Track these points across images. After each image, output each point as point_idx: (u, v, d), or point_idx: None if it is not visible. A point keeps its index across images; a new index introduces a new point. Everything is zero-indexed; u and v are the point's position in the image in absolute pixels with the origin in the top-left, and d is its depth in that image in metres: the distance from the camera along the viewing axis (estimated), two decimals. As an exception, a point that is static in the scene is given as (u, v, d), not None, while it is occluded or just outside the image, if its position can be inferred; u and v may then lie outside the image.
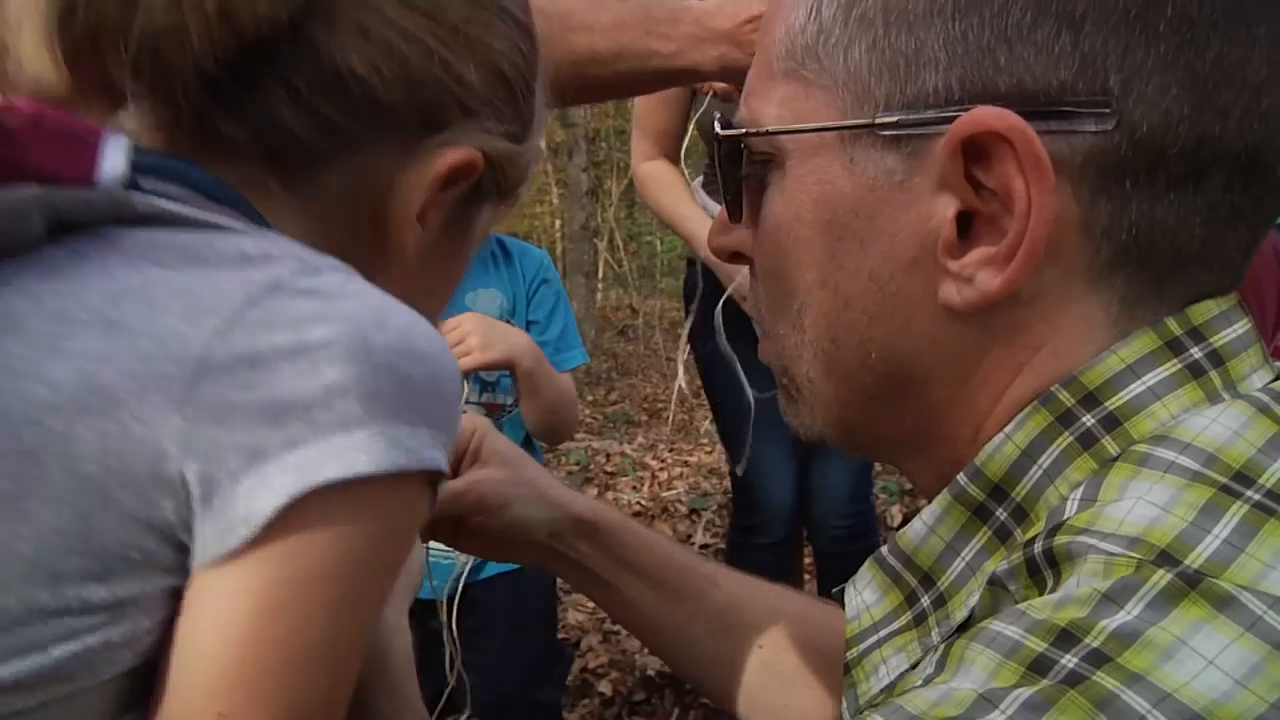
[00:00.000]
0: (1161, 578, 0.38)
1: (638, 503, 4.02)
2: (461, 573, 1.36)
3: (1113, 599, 0.39)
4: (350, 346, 0.45)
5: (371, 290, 0.49)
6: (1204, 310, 0.47)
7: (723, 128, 0.54)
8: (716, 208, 2.10)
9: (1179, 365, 0.45)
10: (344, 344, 0.45)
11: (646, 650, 2.79)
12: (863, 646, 0.53)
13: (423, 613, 1.54)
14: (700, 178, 2.16)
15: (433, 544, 1.53)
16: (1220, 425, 0.43)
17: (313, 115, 0.53)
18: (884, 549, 0.54)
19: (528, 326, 1.64)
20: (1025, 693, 0.37)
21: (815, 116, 0.49)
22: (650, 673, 2.70)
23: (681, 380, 2.21)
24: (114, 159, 0.47)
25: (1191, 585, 0.38)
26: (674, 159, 2.10)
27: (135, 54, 0.49)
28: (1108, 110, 0.43)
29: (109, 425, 0.43)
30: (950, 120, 0.44)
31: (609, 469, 4.53)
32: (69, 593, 0.43)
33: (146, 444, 0.43)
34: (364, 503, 0.46)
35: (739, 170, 0.54)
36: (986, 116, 0.43)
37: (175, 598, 0.46)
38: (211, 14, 0.48)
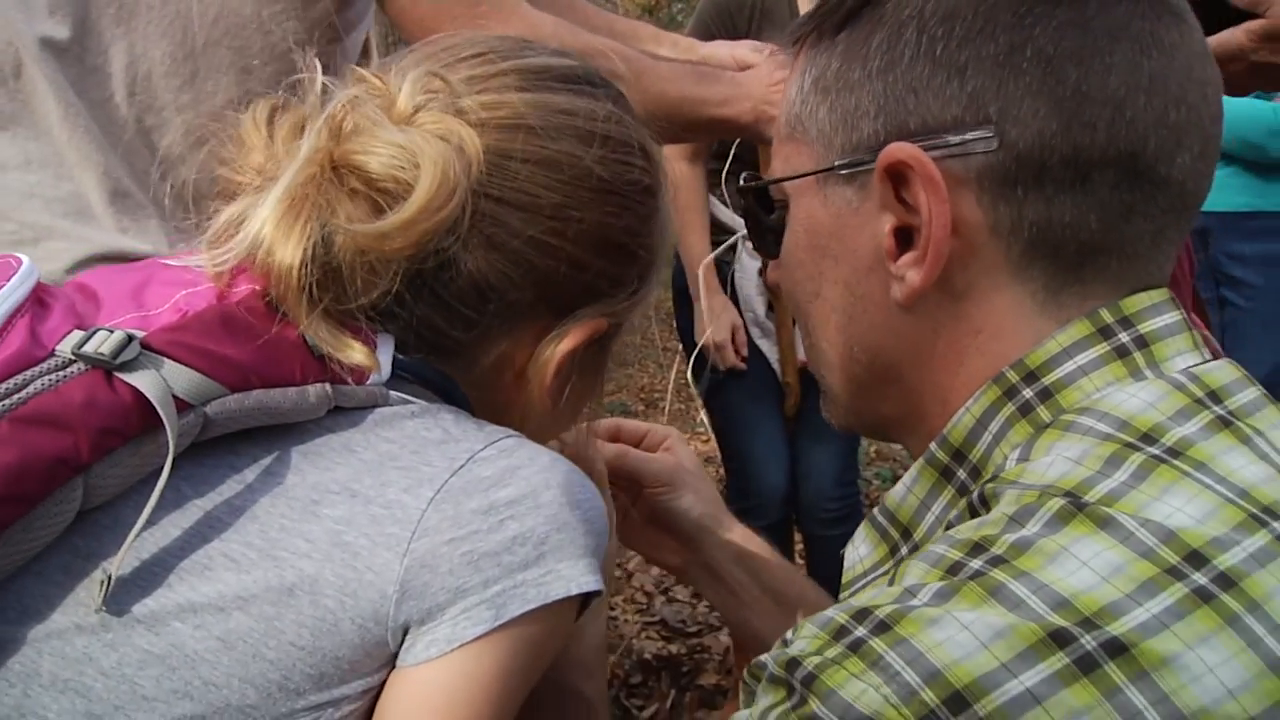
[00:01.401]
0: (1057, 503, 0.49)
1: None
2: None
3: (1017, 519, 0.50)
4: (525, 504, 0.61)
5: (540, 454, 0.64)
6: (1135, 302, 0.57)
7: (745, 181, 0.70)
8: (728, 213, 2.18)
9: (1107, 347, 0.56)
10: (521, 502, 0.61)
11: (643, 634, 2.87)
12: (853, 590, 0.64)
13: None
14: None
15: None
16: (1137, 399, 0.53)
17: (458, 316, 0.66)
18: (875, 510, 0.65)
19: None
20: (937, 585, 0.48)
21: (803, 167, 0.63)
22: (647, 656, 2.76)
23: (688, 377, 2.27)
24: (384, 362, 0.65)
25: (1080, 509, 0.48)
26: (701, 155, 2.20)
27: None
28: (991, 134, 0.54)
29: (348, 572, 0.58)
30: (877, 155, 0.57)
31: (607, 458, 4.58)
32: (292, 693, 0.57)
33: (374, 586, 0.58)
34: (536, 621, 0.61)
35: (768, 216, 0.69)
36: (896, 150, 0.56)
37: (371, 693, 0.61)
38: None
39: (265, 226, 0.62)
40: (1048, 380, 0.56)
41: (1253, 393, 0.56)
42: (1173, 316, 0.58)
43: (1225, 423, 0.53)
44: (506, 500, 0.61)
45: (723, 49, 1.39)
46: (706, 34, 1.92)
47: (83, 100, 1.01)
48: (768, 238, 0.70)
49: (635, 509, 0.93)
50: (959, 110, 0.56)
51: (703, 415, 5.30)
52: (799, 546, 2.73)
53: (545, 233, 0.66)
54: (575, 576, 0.61)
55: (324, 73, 1.20)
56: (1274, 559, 0.47)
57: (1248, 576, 0.46)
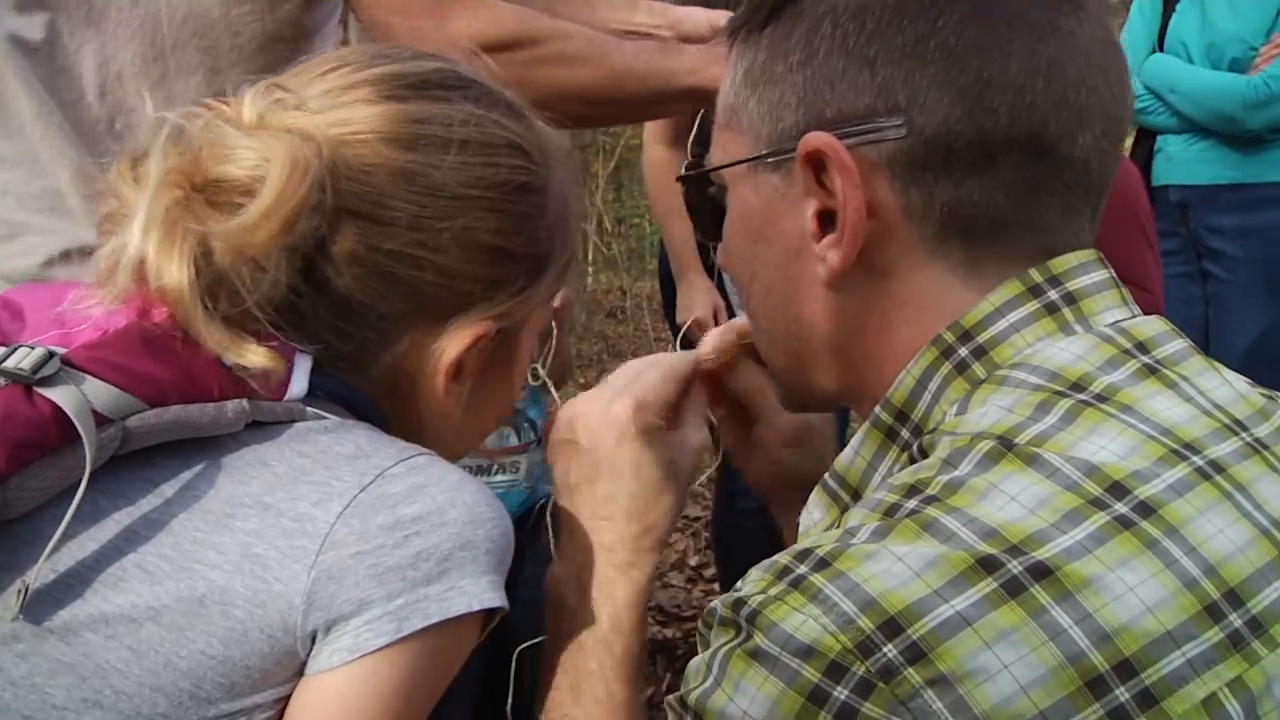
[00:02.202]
0: (986, 445, 0.52)
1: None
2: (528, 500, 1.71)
3: (950, 462, 0.53)
4: (430, 520, 0.62)
5: (448, 472, 0.66)
6: (1063, 262, 0.60)
7: (688, 169, 0.73)
8: None
9: (1037, 305, 0.59)
10: (426, 519, 0.62)
11: (640, 620, 2.89)
12: None
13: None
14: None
15: (497, 477, 1.67)
16: (1067, 352, 0.57)
17: (337, 330, 0.68)
18: (825, 475, 0.67)
19: None
20: (875, 525, 0.51)
21: (737, 156, 0.66)
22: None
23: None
24: (300, 379, 0.66)
25: (1009, 449, 0.51)
26: (683, 139, 2.21)
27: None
28: (900, 122, 0.57)
29: (257, 583, 0.60)
30: (797, 144, 0.60)
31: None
32: (204, 702, 0.59)
33: (283, 597, 0.60)
34: (437, 635, 0.62)
35: (710, 201, 0.72)
36: (813, 139, 0.59)
37: (283, 702, 0.62)
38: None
39: (144, 250, 0.63)
40: (982, 338, 0.59)
41: (1180, 344, 0.59)
42: (1100, 274, 0.61)
43: (1152, 370, 0.56)
44: (412, 517, 0.62)
45: (699, 13, 1.40)
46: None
47: (54, 99, 1.03)
48: (711, 222, 0.73)
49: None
50: (870, 99, 0.59)
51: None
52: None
53: (406, 245, 0.67)
54: (477, 593, 0.63)
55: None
56: (1192, 489, 0.50)
57: (1166, 505, 0.49)
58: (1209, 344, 2.25)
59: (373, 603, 0.61)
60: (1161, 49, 2.39)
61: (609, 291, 8.78)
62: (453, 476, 0.66)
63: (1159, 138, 2.38)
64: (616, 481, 0.74)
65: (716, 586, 3.02)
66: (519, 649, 1.66)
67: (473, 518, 0.64)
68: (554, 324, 1.70)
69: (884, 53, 0.58)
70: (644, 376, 0.77)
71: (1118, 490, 0.49)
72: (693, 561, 3.24)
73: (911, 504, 0.51)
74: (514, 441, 1.76)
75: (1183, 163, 2.30)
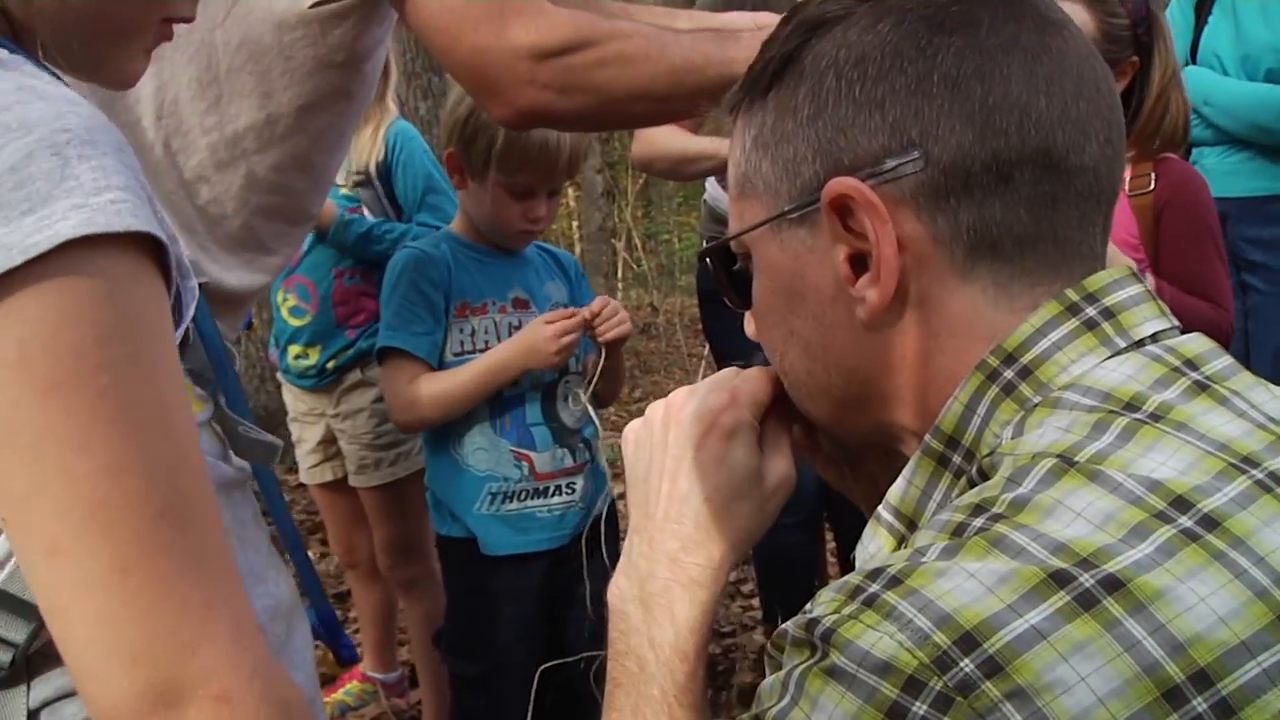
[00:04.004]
0: (1048, 462, 0.53)
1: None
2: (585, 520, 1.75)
3: (1013, 480, 0.54)
4: None
5: None
6: (1098, 279, 0.62)
7: (707, 243, 0.74)
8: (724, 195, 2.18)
9: (1077, 322, 0.61)
10: None
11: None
12: None
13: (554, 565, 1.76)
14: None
15: (553, 499, 1.77)
16: (1117, 373, 0.58)
17: None
18: (879, 507, 0.68)
19: None
20: (944, 543, 0.52)
21: (756, 220, 0.69)
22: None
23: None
24: None
25: (1070, 465, 0.53)
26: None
27: None
28: (917, 155, 0.60)
29: None
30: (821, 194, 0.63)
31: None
32: None
33: None
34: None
35: (735, 269, 0.74)
36: (836, 185, 0.62)
37: None
38: None
39: None
40: (1026, 359, 0.61)
41: (1226, 359, 0.60)
42: (1136, 288, 0.63)
43: (1203, 387, 0.57)
44: None
45: (742, 17, 1.39)
46: None
47: (112, 122, 1.07)
48: (738, 290, 0.74)
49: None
50: (885, 139, 0.62)
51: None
52: (830, 545, 2.75)
53: None
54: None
55: (344, 97, 1.25)
56: (1254, 501, 0.51)
57: (1230, 517, 0.50)
58: (1249, 357, 2.23)
59: None
60: (1194, 62, 2.39)
61: (639, 308, 8.81)
62: None
63: (1195, 150, 2.37)
64: (695, 478, 0.73)
65: (756, 602, 3.03)
66: (540, 669, 1.69)
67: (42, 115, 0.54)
68: (604, 347, 1.74)
69: (890, 94, 0.61)
70: (745, 376, 0.77)
71: (1181, 504, 0.50)
72: (731, 576, 3.24)
73: (979, 522, 0.53)
74: (569, 462, 1.79)
75: (1220, 175, 2.29)
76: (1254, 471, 0.52)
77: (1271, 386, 0.61)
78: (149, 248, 0.56)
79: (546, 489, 1.75)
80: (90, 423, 0.52)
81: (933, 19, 0.62)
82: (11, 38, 0.63)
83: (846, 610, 0.52)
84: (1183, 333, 0.63)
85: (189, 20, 0.71)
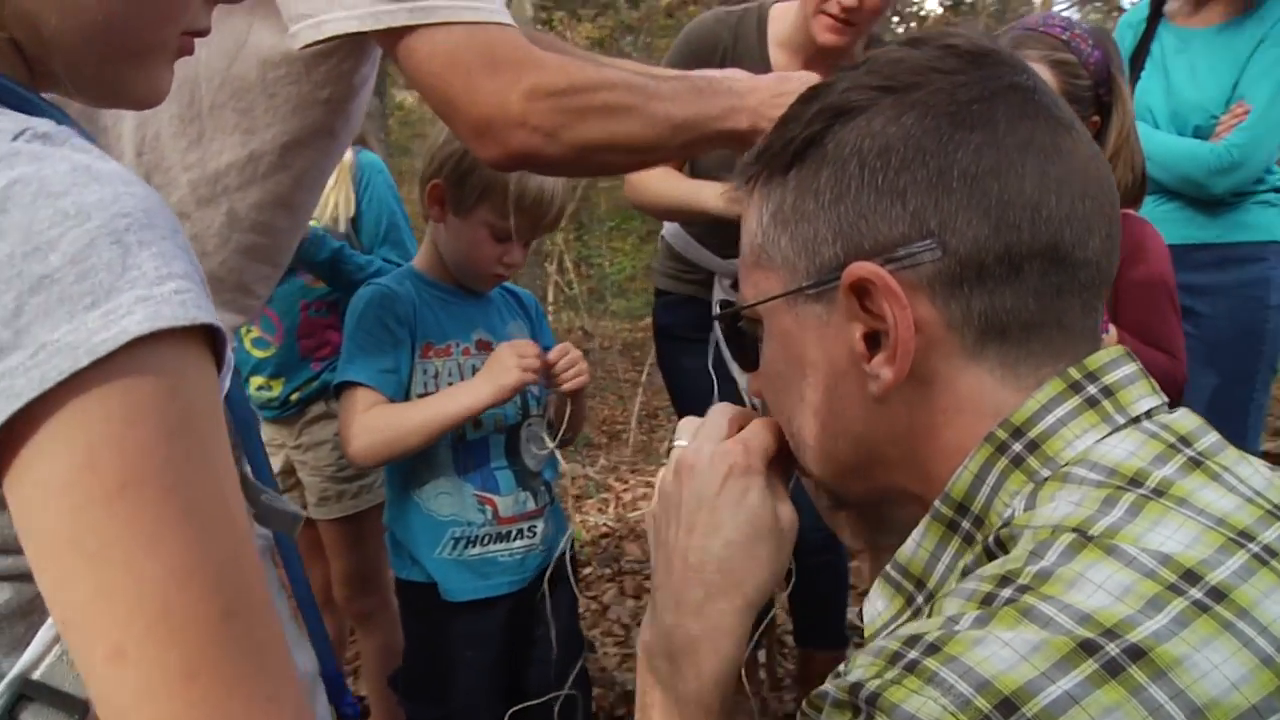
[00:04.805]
0: (1068, 537, 0.58)
1: (605, 525, 4.12)
2: (544, 564, 1.74)
3: (1036, 553, 0.58)
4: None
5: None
6: (1097, 359, 0.67)
7: (722, 309, 0.76)
8: (704, 254, 2.19)
9: (1079, 400, 0.65)
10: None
11: (624, 666, 2.90)
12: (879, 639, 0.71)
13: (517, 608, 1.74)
14: None
15: (515, 543, 1.75)
16: (1120, 449, 0.63)
17: None
18: (887, 567, 0.71)
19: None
20: (976, 613, 0.56)
21: (771, 290, 0.72)
22: (630, 688, 2.80)
23: (709, 367, 2.18)
24: None
25: (1089, 540, 0.57)
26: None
27: None
28: (935, 245, 0.64)
29: None
30: (840, 275, 0.66)
31: (574, 492, 4.61)
32: None
33: None
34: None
35: (744, 335, 0.77)
36: (857, 269, 0.66)
37: None
38: None
39: None
40: (1033, 434, 0.65)
41: (1214, 435, 0.65)
42: (1131, 367, 0.67)
43: (1196, 463, 0.62)
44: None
45: (715, 74, 1.42)
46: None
47: None
48: (747, 352, 0.78)
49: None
50: (905, 228, 0.65)
51: (666, 444, 5.32)
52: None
53: None
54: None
55: (328, 135, 1.23)
56: (1254, 574, 0.56)
57: (1235, 589, 0.55)
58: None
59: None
60: (1128, 113, 2.50)
61: (570, 331, 8.80)
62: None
63: (1128, 199, 2.48)
64: (714, 524, 0.74)
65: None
66: (511, 712, 1.68)
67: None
68: (569, 393, 1.73)
69: (912, 185, 0.65)
70: (750, 428, 0.79)
71: (1191, 577, 0.55)
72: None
73: (1007, 593, 0.56)
74: (531, 505, 1.78)
75: (1152, 222, 2.41)
76: (1251, 545, 0.57)
77: (1253, 460, 0.66)
78: (207, 336, 0.55)
79: (509, 533, 1.74)
80: (158, 524, 0.50)
81: (954, 115, 0.66)
82: (29, 77, 0.61)
83: (889, 675, 0.55)
84: (1171, 407, 0.67)
85: (205, 33, 0.69)
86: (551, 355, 1.72)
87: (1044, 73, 1.52)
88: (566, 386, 1.73)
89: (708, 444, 0.77)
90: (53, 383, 0.49)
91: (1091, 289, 0.67)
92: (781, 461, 0.79)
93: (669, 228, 2.31)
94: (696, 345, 2.24)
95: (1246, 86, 2.32)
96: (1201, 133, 2.37)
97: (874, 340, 0.67)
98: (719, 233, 2.11)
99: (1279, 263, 2.40)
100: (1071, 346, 0.67)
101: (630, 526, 4.00)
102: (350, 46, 1.14)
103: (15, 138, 0.54)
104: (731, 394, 2.24)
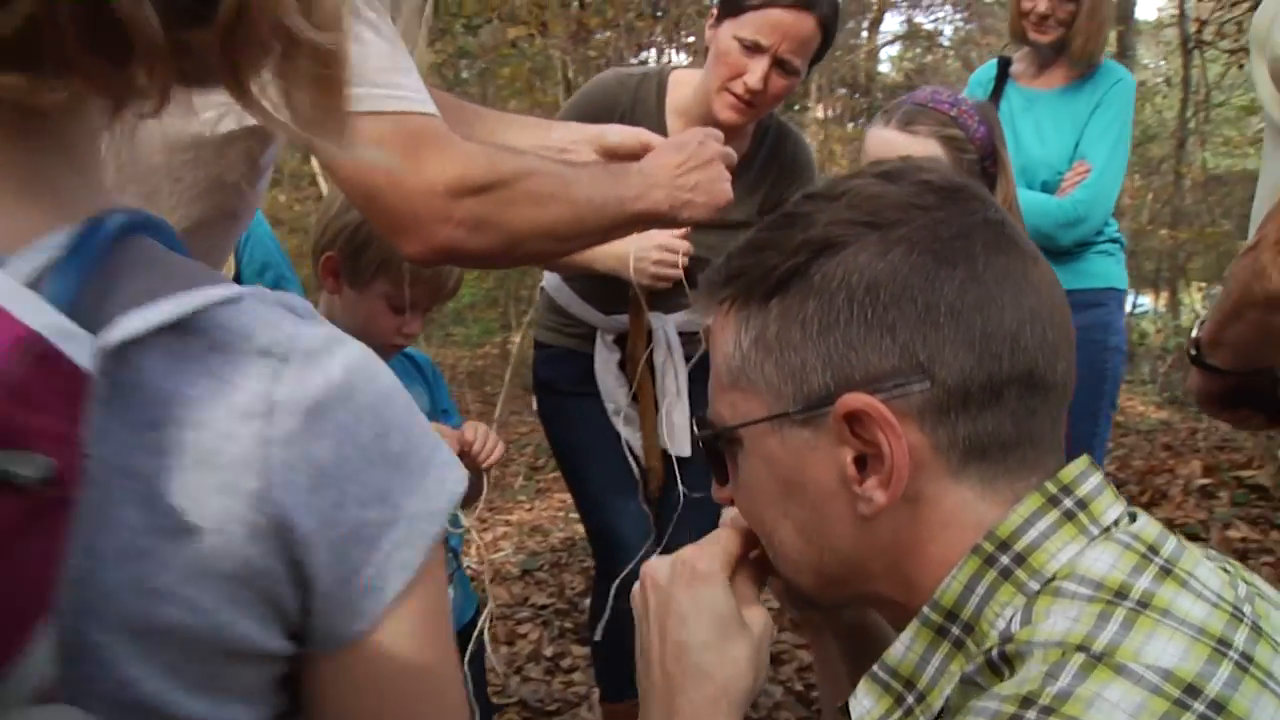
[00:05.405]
0: (1079, 658, 0.62)
1: (468, 567, 4.03)
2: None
3: (1052, 674, 0.62)
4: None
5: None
6: (1069, 472, 0.72)
7: (699, 426, 0.80)
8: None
9: (1058, 513, 0.70)
10: None
11: (502, 717, 2.85)
12: None
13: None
14: None
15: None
16: (1102, 561, 0.68)
17: None
18: (874, 668, 0.74)
19: (442, 415, 1.87)
20: None
21: (753, 412, 0.75)
22: (512, 742, 2.74)
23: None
24: None
25: (1098, 661, 0.62)
26: None
27: None
28: (924, 376, 0.68)
29: None
30: (832, 404, 0.70)
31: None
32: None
33: None
34: None
35: (719, 451, 0.80)
36: (852, 400, 0.69)
37: None
38: None
39: None
40: (1019, 547, 0.69)
41: (1173, 541, 0.71)
42: (1097, 477, 0.73)
43: (1167, 572, 0.68)
44: None
45: (619, 130, 1.44)
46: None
47: None
48: (721, 468, 0.81)
49: None
50: (895, 361, 0.69)
51: (520, 482, 5.27)
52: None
53: None
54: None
55: (231, 217, 1.18)
56: (1240, 683, 0.62)
57: (1230, 700, 0.61)
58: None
59: None
60: (978, 166, 2.66)
61: (410, 360, 8.62)
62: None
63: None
64: (688, 627, 0.76)
65: (576, 676, 3.03)
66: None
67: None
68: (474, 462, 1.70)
69: (901, 320, 0.69)
70: (713, 535, 0.82)
71: (1192, 691, 0.60)
72: (548, 652, 3.23)
73: (1031, 714, 0.60)
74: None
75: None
76: (1231, 653, 0.63)
77: (1204, 559, 0.72)
78: None
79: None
80: (451, 658, 0.59)
81: (938, 253, 0.70)
82: None
83: None
84: (1132, 517, 0.73)
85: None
86: (467, 437, 1.69)
87: (935, 147, 1.61)
88: (489, 462, 1.70)
89: (673, 555, 0.81)
90: (425, 548, 0.55)
91: (1058, 405, 0.73)
92: (751, 566, 0.82)
93: (549, 279, 2.30)
94: (580, 399, 2.24)
95: (1086, 146, 2.51)
96: (1048, 188, 2.55)
97: (862, 462, 0.70)
98: (602, 289, 2.12)
99: (1116, 307, 2.61)
100: (1042, 460, 0.72)
101: (495, 569, 3.93)
102: (263, 130, 1.09)
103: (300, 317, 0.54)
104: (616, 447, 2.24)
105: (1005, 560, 0.69)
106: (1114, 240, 2.61)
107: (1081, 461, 0.73)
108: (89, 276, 0.46)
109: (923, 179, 0.74)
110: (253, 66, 0.49)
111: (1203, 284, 8.48)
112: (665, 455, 2.25)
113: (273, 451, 0.49)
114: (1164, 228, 7.62)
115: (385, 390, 0.55)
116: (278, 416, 0.49)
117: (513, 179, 1.12)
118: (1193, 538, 3.56)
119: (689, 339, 2.20)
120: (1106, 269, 2.58)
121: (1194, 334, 1.32)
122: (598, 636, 2.32)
